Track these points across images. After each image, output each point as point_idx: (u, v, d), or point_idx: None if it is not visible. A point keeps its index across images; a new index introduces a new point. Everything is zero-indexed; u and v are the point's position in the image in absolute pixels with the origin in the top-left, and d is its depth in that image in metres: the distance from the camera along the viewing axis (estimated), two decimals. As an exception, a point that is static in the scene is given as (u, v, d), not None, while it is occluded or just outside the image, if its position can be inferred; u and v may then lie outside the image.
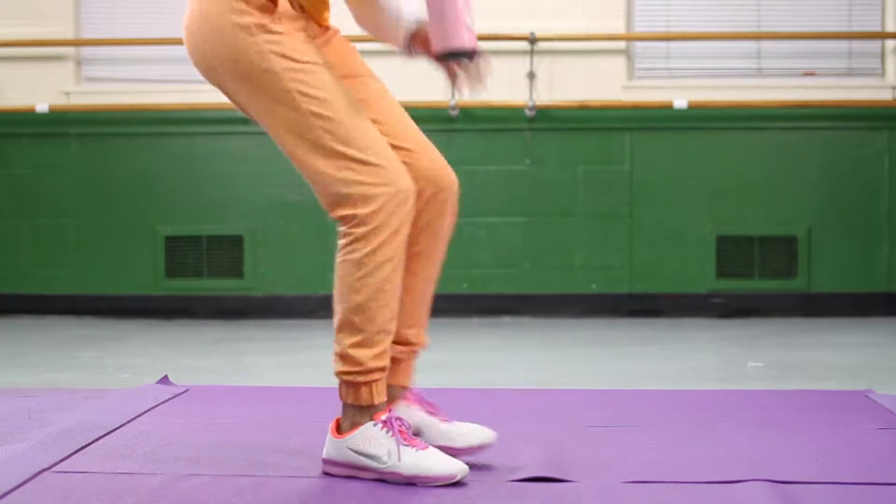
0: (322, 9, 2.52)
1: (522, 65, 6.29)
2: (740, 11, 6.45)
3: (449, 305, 5.93)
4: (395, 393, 2.57)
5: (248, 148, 6.30)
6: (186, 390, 3.54)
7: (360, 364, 2.40)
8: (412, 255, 2.51)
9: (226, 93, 2.48)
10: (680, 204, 6.33)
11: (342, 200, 2.37)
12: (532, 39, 6.23)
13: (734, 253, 6.34)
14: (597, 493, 2.30)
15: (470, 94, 2.52)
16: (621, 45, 6.42)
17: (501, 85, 6.12)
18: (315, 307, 6.15)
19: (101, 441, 2.75)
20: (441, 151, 2.60)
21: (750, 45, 6.47)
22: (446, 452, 2.44)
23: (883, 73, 6.42)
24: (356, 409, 2.42)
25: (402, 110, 2.58)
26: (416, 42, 2.59)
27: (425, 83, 5.33)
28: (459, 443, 2.53)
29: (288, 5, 2.43)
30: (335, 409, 2.54)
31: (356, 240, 2.37)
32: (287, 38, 2.39)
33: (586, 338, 5.48)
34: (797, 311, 6.28)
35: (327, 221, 2.78)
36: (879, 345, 5.12)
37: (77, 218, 6.46)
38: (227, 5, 2.37)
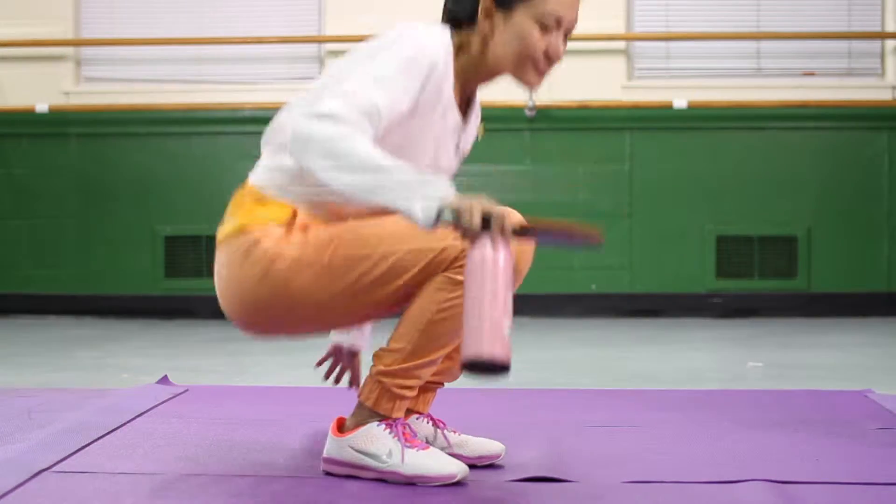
0: None
1: (522, 65, 6.28)
2: (740, 11, 6.45)
3: (449, 305, 5.91)
4: (407, 414, 2.57)
5: (248, 148, 6.29)
6: (186, 390, 3.54)
7: (414, 377, 2.38)
8: None
9: None
10: (680, 204, 6.33)
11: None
12: (532, 39, 6.22)
13: (734, 253, 6.34)
14: (597, 493, 2.30)
15: None
16: (621, 45, 6.42)
17: (501, 85, 6.10)
18: (315, 307, 6.14)
19: (101, 441, 2.75)
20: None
21: (749, 45, 6.47)
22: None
23: (883, 73, 6.42)
24: (369, 413, 2.40)
25: None
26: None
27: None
28: (468, 453, 2.52)
29: None
30: (335, 409, 2.54)
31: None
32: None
33: (586, 338, 5.48)
34: (797, 311, 6.28)
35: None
36: (879, 345, 5.12)
37: (77, 218, 6.46)
38: None
